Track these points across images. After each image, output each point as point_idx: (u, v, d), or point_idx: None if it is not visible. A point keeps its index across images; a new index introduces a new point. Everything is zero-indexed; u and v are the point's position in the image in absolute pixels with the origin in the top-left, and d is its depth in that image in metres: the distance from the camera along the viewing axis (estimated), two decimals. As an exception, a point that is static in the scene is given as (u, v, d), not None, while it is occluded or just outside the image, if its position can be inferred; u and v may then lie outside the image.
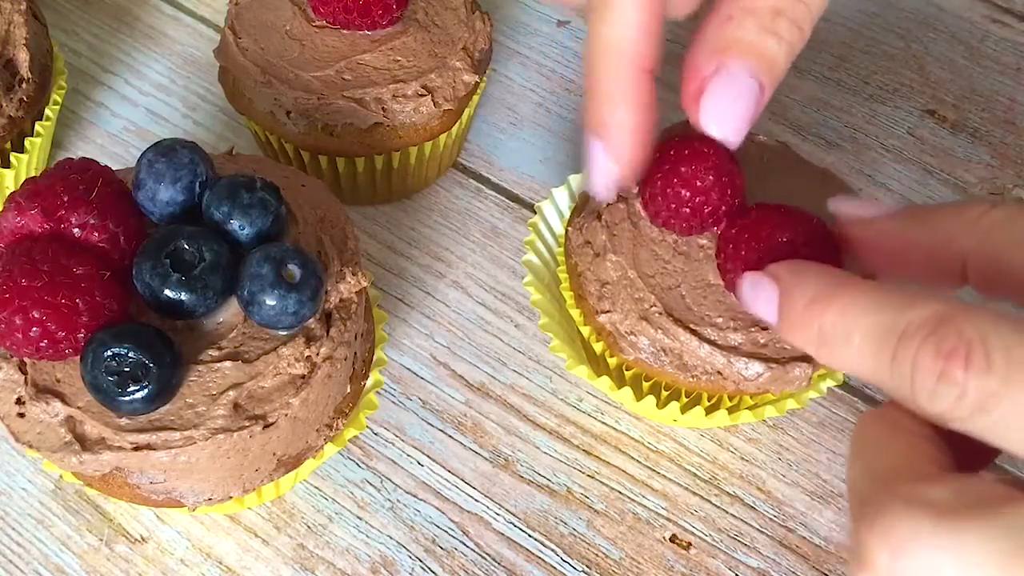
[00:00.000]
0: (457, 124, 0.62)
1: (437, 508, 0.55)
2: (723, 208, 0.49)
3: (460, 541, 0.54)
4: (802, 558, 0.54)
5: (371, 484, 0.56)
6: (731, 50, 0.41)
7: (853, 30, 0.78)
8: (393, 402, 0.59)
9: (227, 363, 0.43)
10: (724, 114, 0.42)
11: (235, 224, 0.44)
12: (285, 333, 0.44)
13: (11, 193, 0.44)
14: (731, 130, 0.43)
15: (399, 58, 0.59)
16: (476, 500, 0.55)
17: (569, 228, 0.55)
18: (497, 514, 0.55)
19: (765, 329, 0.49)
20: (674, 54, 0.75)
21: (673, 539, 0.55)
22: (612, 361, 0.52)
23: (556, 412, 0.59)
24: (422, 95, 0.58)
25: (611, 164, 0.43)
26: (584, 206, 0.55)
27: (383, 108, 0.58)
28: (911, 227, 0.39)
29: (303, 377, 0.44)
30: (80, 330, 0.41)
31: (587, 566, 0.54)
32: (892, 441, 0.33)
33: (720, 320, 0.49)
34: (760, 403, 0.53)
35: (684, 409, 0.52)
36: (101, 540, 0.53)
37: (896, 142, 0.71)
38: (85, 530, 0.53)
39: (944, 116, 0.73)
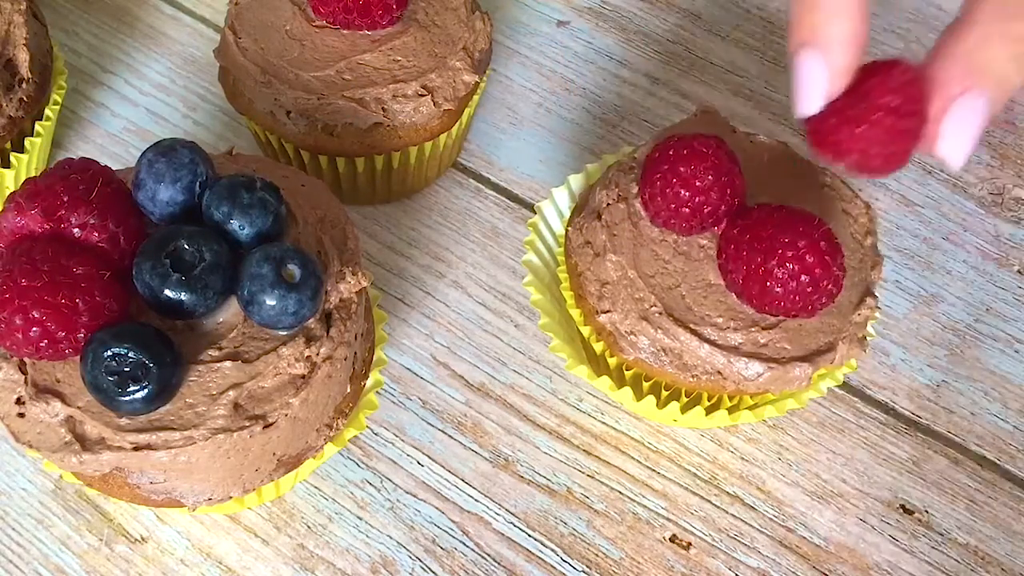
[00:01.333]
0: (457, 124, 0.62)
1: (437, 508, 0.55)
2: (723, 208, 0.49)
3: (460, 541, 0.54)
4: (802, 558, 0.54)
5: (371, 484, 0.56)
6: (981, 76, 0.41)
7: (853, 30, 0.78)
8: (393, 402, 0.59)
9: (227, 363, 0.43)
10: (962, 142, 0.42)
11: (235, 224, 0.44)
12: (285, 333, 0.44)
13: (11, 193, 0.44)
14: (964, 156, 0.43)
15: (399, 58, 0.59)
16: (476, 500, 0.55)
17: (569, 228, 0.55)
18: (497, 514, 0.55)
19: (765, 329, 0.49)
20: (676, 54, 0.76)
21: (673, 539, 0.55)
22: (612, 361, 0.52)
23: (556, 412, 0.59)
24: (422, 95, 0.58)
25: (825, 75, 0.42)
26: (584, 206, 0.55)
27: (383, 108, 0.58)
28: None
29: (303, 377, 0.44)
30: (80, 330, 0.41)
31: (587, 566, 0.54)
32: None
33: (720, 320, 0.49)
34: (760, 403, 0.53)
35: (684, 409, 0.52)
36: (101, 540, 0.53)
37: (896, 142, 0.71)
38: (85, 530, 0.53)
39: (944, 116, 0.73)
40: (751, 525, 0.55)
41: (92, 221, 0.42)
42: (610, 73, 0.74)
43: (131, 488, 0.44)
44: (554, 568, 0.53)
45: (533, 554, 0.54)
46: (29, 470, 0.55)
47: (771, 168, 0.54)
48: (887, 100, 0.43)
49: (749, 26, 0.77)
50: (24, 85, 0.59)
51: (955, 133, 0.42)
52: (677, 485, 0.56)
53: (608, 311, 0.50)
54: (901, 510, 0.56)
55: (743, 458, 0.57)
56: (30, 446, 0.43)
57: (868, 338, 0.51)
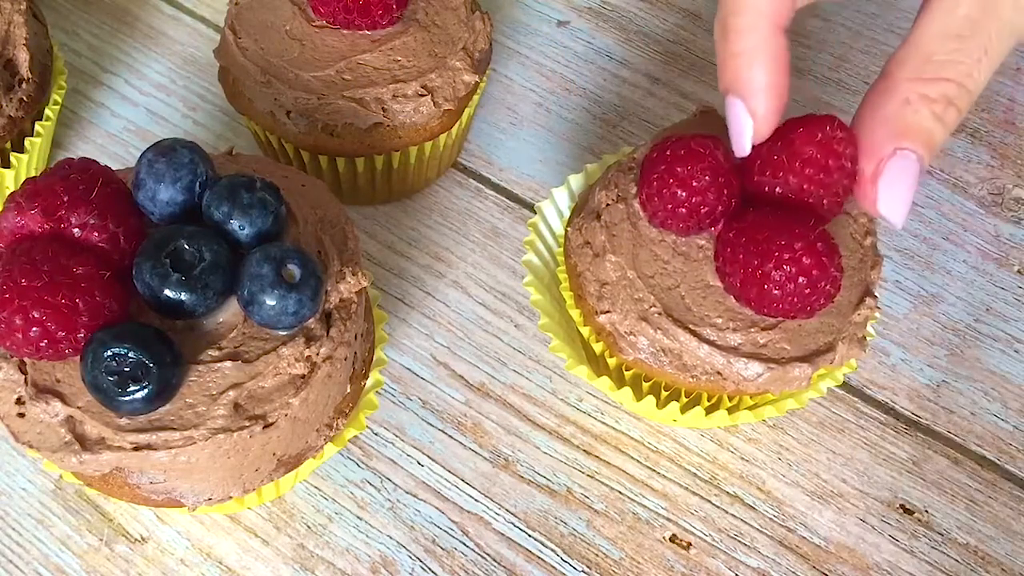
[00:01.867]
0: (457, 124, 0.62)
1: (437, 508, 0.55)
2: (720, 208, 0.48)
3: (460, 541, 0.54)
4: (802, 558, 0.54)
5: (371, 484, 0.56)
6: (908, 137, 0.43)
7: (853, 30, 0.78)
8: (393, 402, 0.59)
9: (227, 363, 0.43)
10: (900, 200, 0.44)
11: (235, 224, 0.44)
12: (285, 333, 0.44)
13: (11, 193, 0.44)
14: (903, 213, 0.44)
15: (399, 58, 0.59)
16: (476, 500, 0.55)
17: (569, 228, 0.55)
18: (497, 514, 0.55)
19: (764, 329, 0.49)
20: (676, 55, 0.76)
21: (673, 539, 0.55)
22: (612, 361, 0.52)
23: (556, 412, 0.59)
24: (422, 95, 0.58)
25: (749, 121, 0.45)
26: (584, 206, 0.55)
27: (383, 108, 0.58)
28: None
29: (303, 377, 0.44)
30: (80, 330, 0.41)
31: (587, 566, 0.54)
32: None
33: (719, 320, 0.49)
34: (760, 403, 0.53)
35: (684, 409, 0.52)
36: (101, 540, 0.53)
37: (896, 142, 0.71)
38: (85, 530, 0.53)
39: (944, 116, 0.73)
40: (751, 525, 0.55)
41: (92, 221, 0.42)
42: (610, 73, 0.74)
43: (131, 488, 0.44)
44: (554, 568, 0.53)
45: (533, 554, 0.54)
46: (29, 470, 0.55)
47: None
48: (808, 151, 0.46)
49: (749, 26, 0.77)
50: (24, 85, 0.59)
51: (891, 192, 0.44)
52: (677, 485, 0.56)
53: (607, 311, 0.50)
54: (901, 510, 0.56)
55: (743, 458, 0.57)
56: (30, 446, 0.43)
57: (868, 338, 0.51)
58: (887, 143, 0.43)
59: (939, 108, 0.42)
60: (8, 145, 0.59)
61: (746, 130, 0.46)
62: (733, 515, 0.55)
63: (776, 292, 0.46)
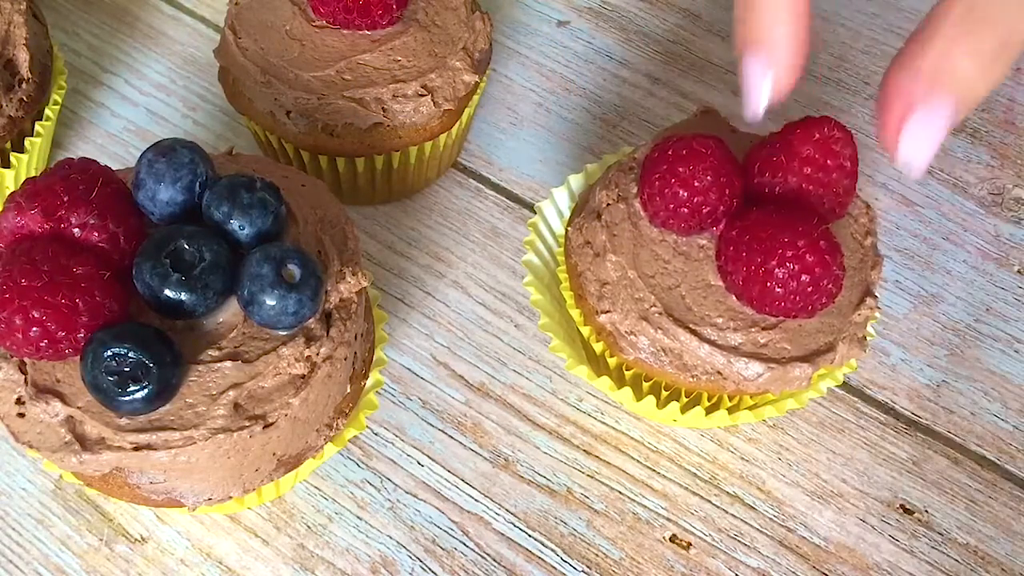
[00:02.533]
0: (457, 124, 0.62)
1: (437, 508, 0.55)
2: (722, 208, 0.49)
3: (460, 541, 0.54)
4: (802, 558, 0.54)
5: (371, 484, 0.56)
6: (945, 87, 0.41)
7: (853, 30, 0.78)
8: (393, 402, 0.59)
9: (227, 363, 0.43)
10: (922, 150, 0.42)
11: (235, 224, 0.44)
12: (285, 333, 0.44)
13: (11, 193, 0.44)
14: (924, 164, 0.42)
15: (399, 58, 0.59)
16: (476, 500, 0.55)
17: (569, 228, 0.55)
18: (497, 514, 0.55)
19: (765, 329, 0.49)
20: (676, 54, 0.75)
21: (673, 539, 0.55)
22: (612, 361, 0.52)
23: (556, 412, 0.59)
24: (422, 95, 0.58)
25: (770, 79, 0.43)
26: (584, 206, 0.55)
27: (383, 108, 0.58)
28: None
29: (303, 377, 0.44)
30: (80, 330, 0.41)
31: (587, 566, 0.54)
32: None
33: (720, 320, 0.49)
34: (760, 403, 0.53)
35: (684, 409, 0.52)
36: (101, 540, 0.53)
37: (896, 142, 0.71)
38: (85, 530, 0.53)
39: (944, 116, 0.73)
40: (751, 525, 0.55)
41: (92, 221, 0.42)
42: (610, 73, 0.74)
43: (131, 488, 0.44)
44: (554, 568, 0.53)
45: (533, 554, 0.54)
46: (29, 470, 0.55)
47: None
48: (805, 150, 0.47)
49: (749, 26, 0.77)
50: (24, 85, 0.59)
51: (915, 140, 0.41)
52: (677, 485, 0.56)
53: (608, 311, 0.50)
54: (901, 510, 0.56)
55: (743, 458, 0.57)
56: (30, 446, 0.43)
57: (868, 338, 0.51)
58: (923, 90, 0.41)
59: (987, 60, 0.40)
60: (8, 145, 0.59)
61: (764, 86, 0.43)
62: (733, 515, 0.55)
63: (779, 290, 0.46)
